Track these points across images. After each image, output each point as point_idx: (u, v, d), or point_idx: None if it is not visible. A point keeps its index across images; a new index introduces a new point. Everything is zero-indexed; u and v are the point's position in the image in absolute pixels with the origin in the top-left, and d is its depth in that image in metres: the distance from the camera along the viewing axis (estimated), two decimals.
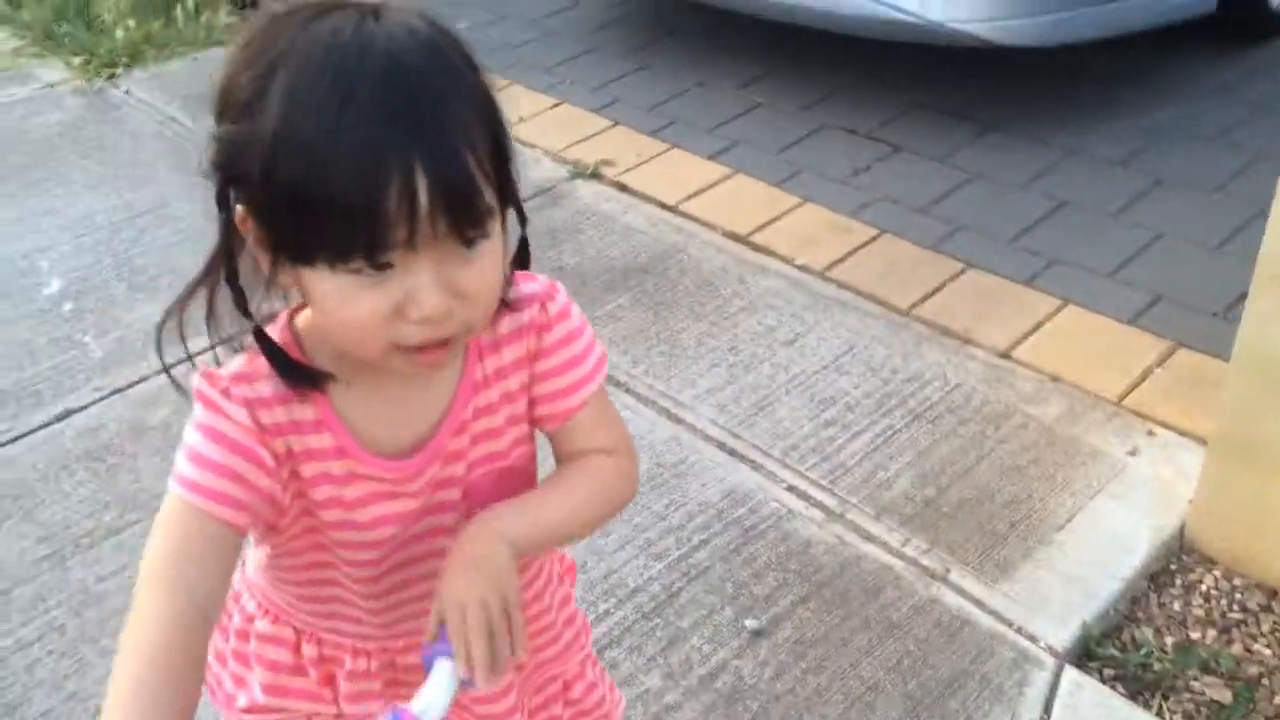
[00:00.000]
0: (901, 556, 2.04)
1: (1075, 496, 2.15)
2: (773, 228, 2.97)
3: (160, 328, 0.88)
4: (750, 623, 1.93)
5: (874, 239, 2.91)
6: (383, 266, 0.77)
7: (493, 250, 0.82)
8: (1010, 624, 1.92)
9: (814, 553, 2.07)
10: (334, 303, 0.80)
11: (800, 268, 2.82)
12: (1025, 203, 3.02)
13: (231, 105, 0.78)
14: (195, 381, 0.89)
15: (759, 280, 2.78)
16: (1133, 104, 3.41)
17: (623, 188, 3.22)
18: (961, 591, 1.98)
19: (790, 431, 2.33)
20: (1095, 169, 3.14)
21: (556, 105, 3.75)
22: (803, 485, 2.20)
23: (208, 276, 0.86)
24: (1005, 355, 2.49)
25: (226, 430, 0.86)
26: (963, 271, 2.76)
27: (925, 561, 2.03)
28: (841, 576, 2.02)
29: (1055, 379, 2.41)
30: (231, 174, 0.79)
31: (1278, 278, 1.75)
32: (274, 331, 0.90)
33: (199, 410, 0.87)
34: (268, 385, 0.88)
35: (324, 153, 0.73)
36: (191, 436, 0.87)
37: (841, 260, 2.83)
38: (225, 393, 0.87)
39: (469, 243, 0.79)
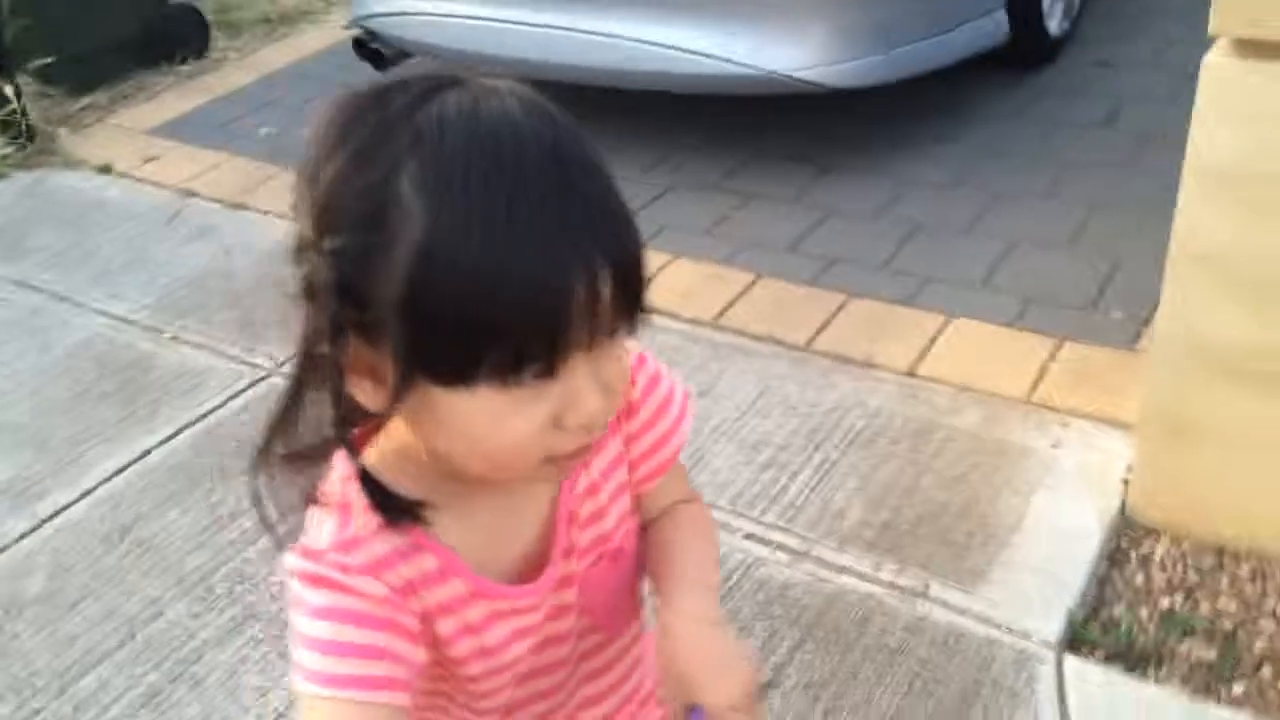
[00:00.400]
0: (878, 582, 2.04)
1: (1018, 495, 2.22)
2: (651, 287, 2.96)
3: (258, 495, 0.76)
4: None
5: (753, 283, 2.95)
6: (555, 375, 0.68)
7: (622, 338, 0.74)
8: (1001, 626, 1.94)
9: (793, 595, 2.03)
10: (485, 424, 0.69)
11: (690, 321, 2.82)
12: (881, 231, 3.15)
13: (343, 215, 0.66)
14: (295, 562, 0.76)
15: (654, 339, 2.71)
16: (949, 131, 3.63)
17: None
18: (946, 605, 1.99)
19: (731, 481, 2.30)
20: (934, 192, 3.31)
21: None
22: (760, 531, 2.17)
23: (321, 423, 0.73)
24: (911, 373, 2.56)
25: (360, 607, 0.74)
26: (846, 301, 2.83)
27: (903, 582, 2.03)
28: (828, 613, 1.99)
29: (964, 388, 2.50)
30: (353, 297, 0.66)
31: (1189, 260, 1.87)
32: (341, 480, 0.77)
33: (312, 595, 0.75)
34: (380, 544, 0.77)
35: (497, 259, 0.63)
36: (313, 627, 0.74)
37: (728, 307, 2.85)
38: (344, 568, 0.75)
39: (621, 334, 0.72)
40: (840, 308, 2.81)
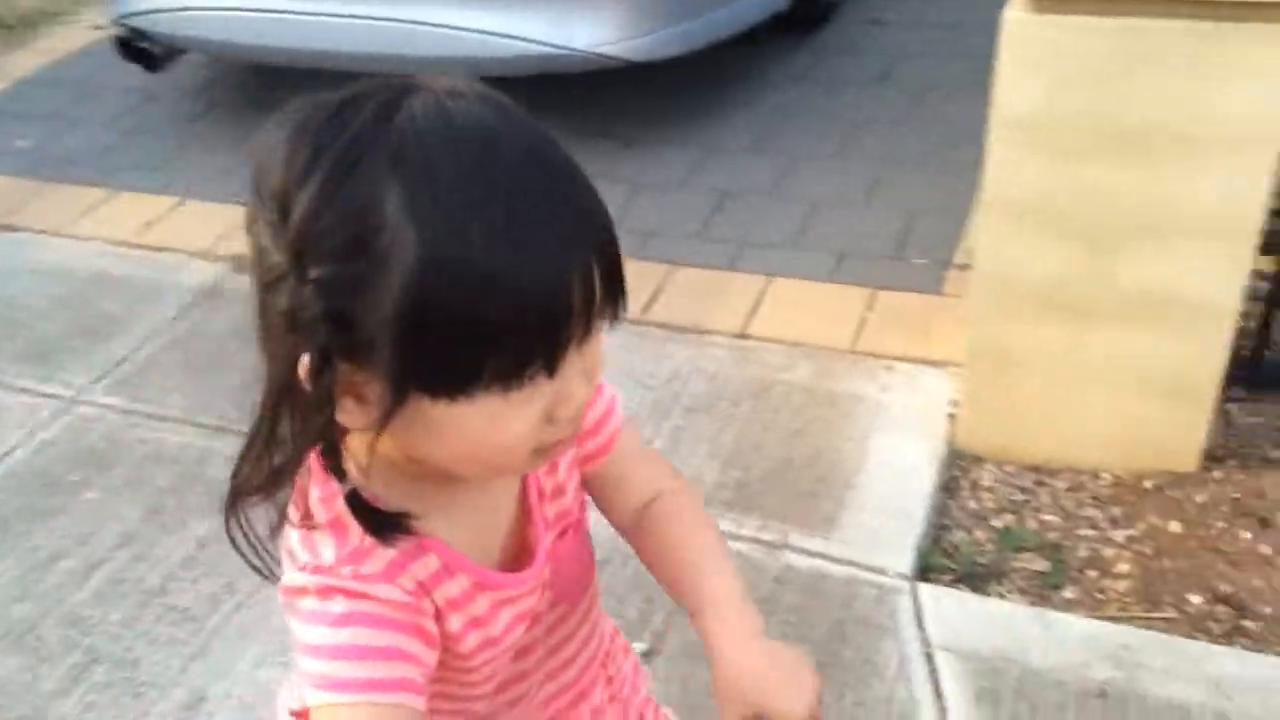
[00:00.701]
0: (742, 539, 2.12)
1: (855, 441, 2.34)
2: None
3: (232, 526, 0.76)
4: (638, 645, 1.91)
5: None
6: (555, 374, 0.69)
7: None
8: (858, 565, 2.06)
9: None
10: (482, 429, 0.69)
11: None
12: (691, 200, 3.23)
13: (327, 243, 0.64)
14: (302, 580, 0.75)
15: None
16: (743, 97, 3.75)
17: None
18: (806, 552, 2.09)
19: None
20: (735, 158, 3.42)
21: (181, 203, 3.45)
22: None
23: (299, 450, 0.72)
24: (741, 335, 2.66)
25: (381, 612, 0.74)
26: (671, 272, 2.90)
27: (765, 536, 2.12)
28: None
29: (793, 344, 2.61)
30: (342, 323, 0.65)
31: (999, 204, 2.02)
32: (321, 501, 0.77)
33: (330, 605, 0.73)
34: (385, 553, 0.76)
35: (497, 270, 0.63)
36: (334, 635, 0.73)
37: None
38: (361, 577, 0.74)
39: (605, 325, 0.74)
40: (666, 278, 2.87)
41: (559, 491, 0.91)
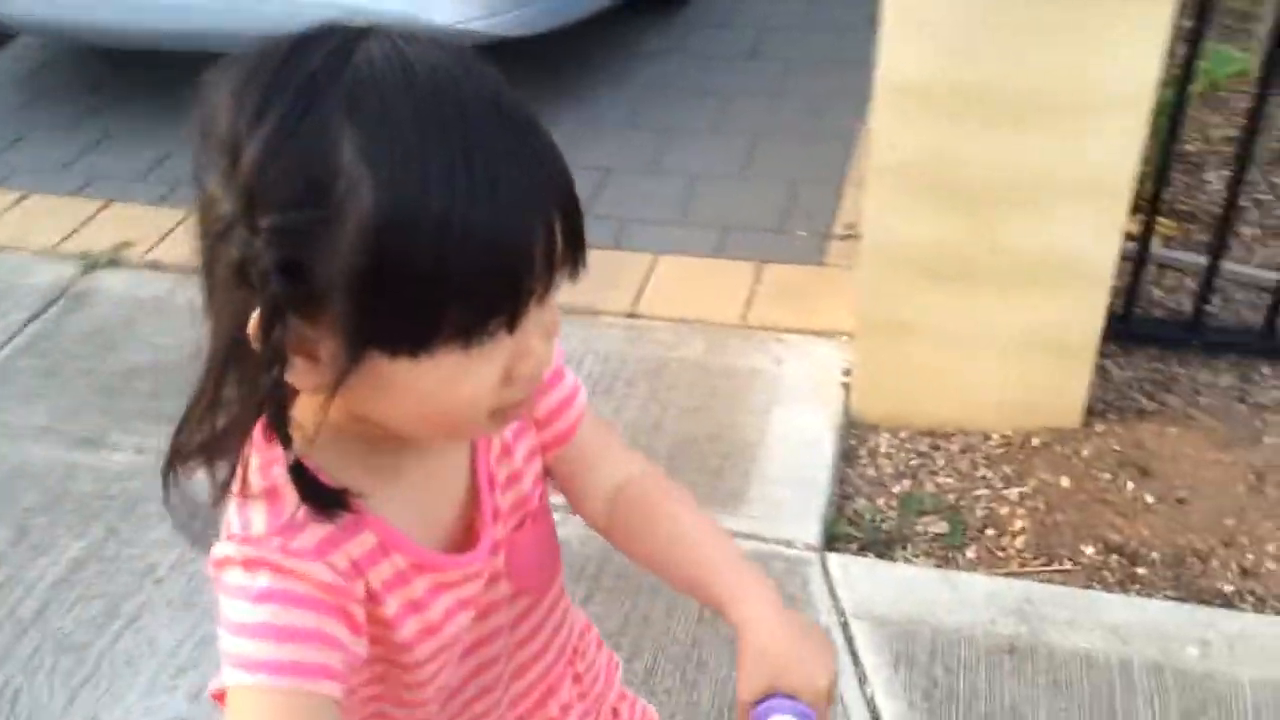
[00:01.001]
0: None
1: (754, 414, 2.35)
2: None
3: (171, 493, 0.69)
4: None
5: None
6: (517, 327, 0.66)
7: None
8: (768, 539, 2.07)
9: (573, 550, 2.01)
10: (441, 387, 0.66)
11: None
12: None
13: (280, 190, 0.60)
14: (230, 550, 0.70)
15: None
16: (616, 72, 3.72)
17: (158, 266, 2.87)
18: None
19: None
20: (613, 135, 3.38)
21: (22, 198, 3.22)
22: None
23: (246, 413, 0.67)
24: (632, 315, 2.63)
25: (306, 590, 0.69)
26: None
27: None
28: (609, 562, 2.02)
29: (684, 321, 2.60)
30: (296, 275, 0.61)
31: (885, 171, 2.04)
32: (259, 469, 0.72)
33: (253, 579, 0.69)
34: (319, 528, 0.72)
35: (460, 218, 0.60)
36: (254, 612, 0.68)
37: None
38: (289, 551, 0.69)
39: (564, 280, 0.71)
40: None
41: (515, 479, 0.87)
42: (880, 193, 2.07)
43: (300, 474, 0.70)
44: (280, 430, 0.67)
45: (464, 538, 0.84)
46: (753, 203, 3.01)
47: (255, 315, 0.62)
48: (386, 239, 0.60)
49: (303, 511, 0.71)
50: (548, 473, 0.92)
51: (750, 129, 3.37)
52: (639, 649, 1.87)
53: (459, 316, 0.63)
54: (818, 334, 2.52)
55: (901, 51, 1.91)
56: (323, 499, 0.71)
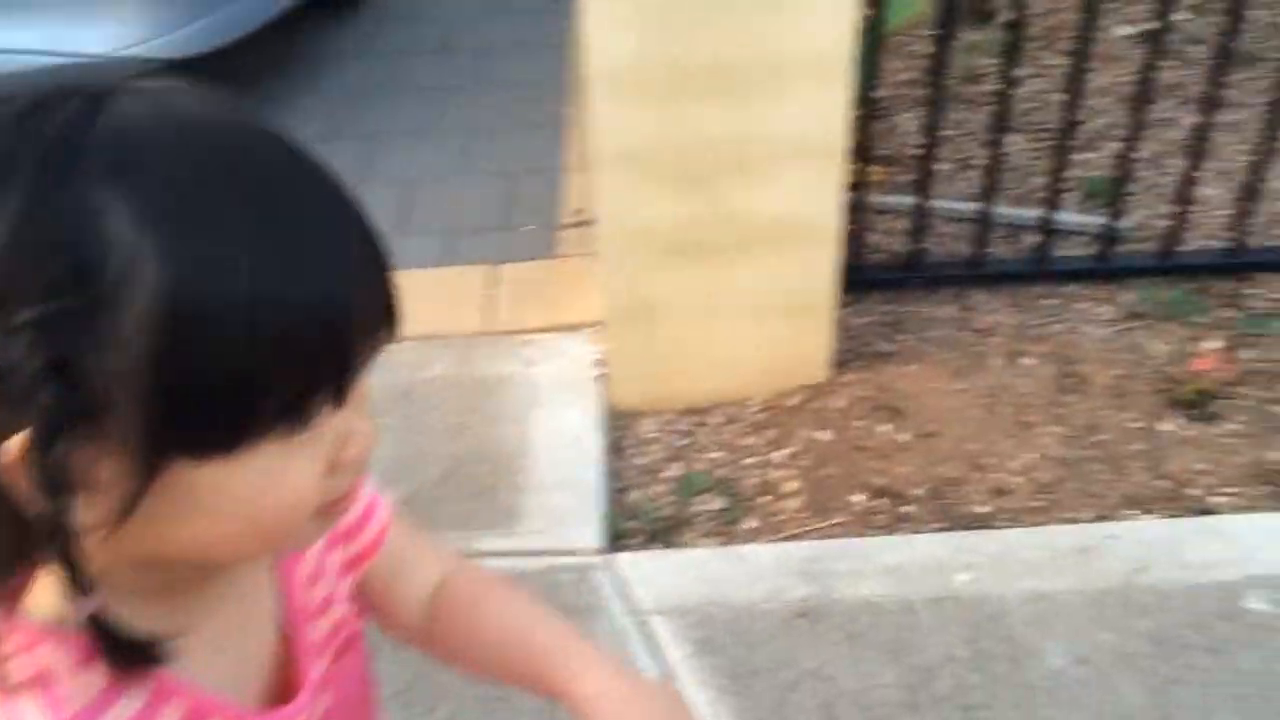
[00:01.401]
0: None
1: (517, 423, 2.27)
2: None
3: None
4: None
5: None
6: (343, 404, 0.56)
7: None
8: (549, 553, 2.00)
9: None
10: (261, 489, 0.55)
11: None
12: None
13: (36, 277, 0.48)
14: None
15: None
16: (306, 81, 3.50)
17: None
18: (496, 553, 2.00)
19: None
20: (316, 146, 3.18)
21: None
22: None
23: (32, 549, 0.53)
24: None
25: None
26: None
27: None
28: None
29: (426, 339, 2.48)
30: (69, 380, 0.49)
31: (611, 157, 2.00)
32: (17, 652, 0.57)
33: None
34: (116, 713, 0.58)
35: (271, 288, 0.50)
36: None
37: None
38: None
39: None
40: None
41: (328, 603, 0.76)
42: (610, 179, 2.03)
43: (101, 627, 0.56)
44: (77, 578, 0.53)
45: (284, 683, 0.72)
46: (474, 202, 2.91)
47: (17, 440, 0.49)
48: (181, 321, 0.48)
49: (88, 698, 0.57)
50: (359, 590, 0.81)
51: (459, 125, 3.26)
52: (436, 705, 1.76)
53: (280, 400, 0.53)
54: (566, 328, 2.47)
55: (608, 36, 1.87)
56: (125, 654, 0.57)
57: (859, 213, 2.42)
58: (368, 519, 0.80)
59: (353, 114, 3.33)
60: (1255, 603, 1.87)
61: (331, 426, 0.57)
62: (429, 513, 2.07)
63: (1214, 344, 2.37)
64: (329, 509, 0.61)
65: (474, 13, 3.84)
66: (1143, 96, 2.35)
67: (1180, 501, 2.05)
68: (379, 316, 0.57)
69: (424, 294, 2.61)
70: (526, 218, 2.84)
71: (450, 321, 2.52)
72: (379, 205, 3.01)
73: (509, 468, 2.17)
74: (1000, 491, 2.11)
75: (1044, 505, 2.06)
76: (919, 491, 2.11)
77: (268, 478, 0.55)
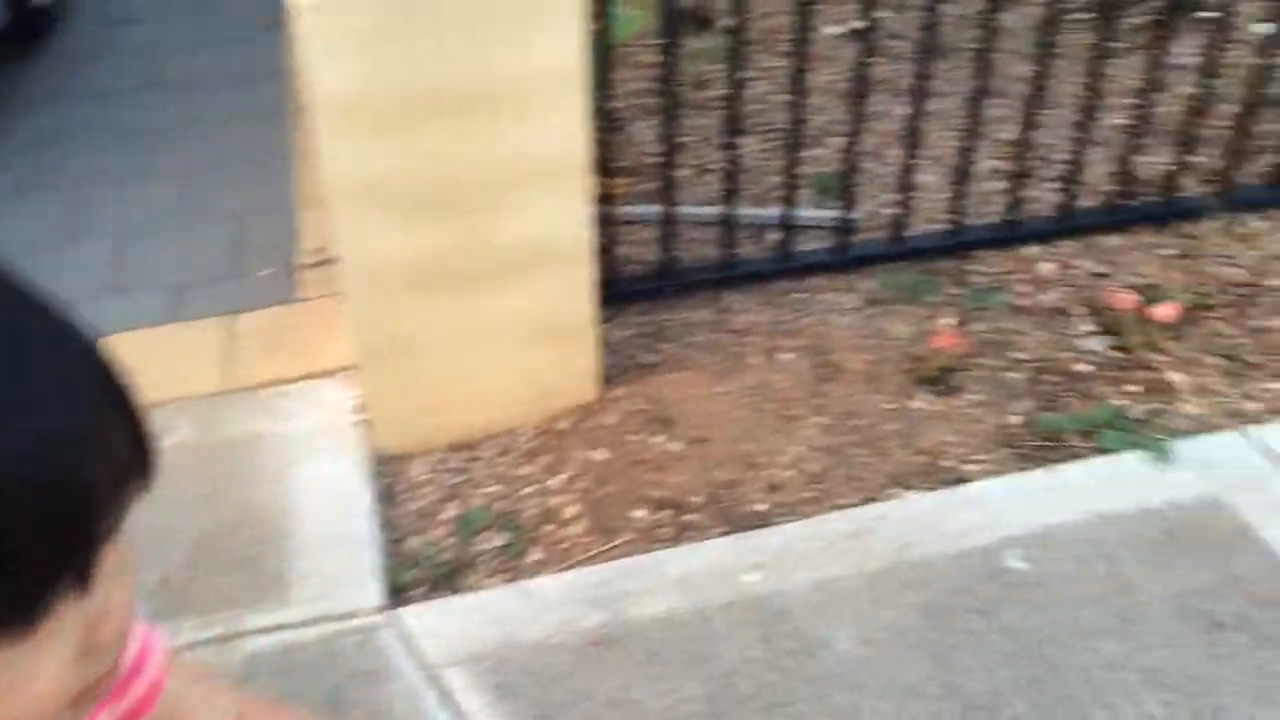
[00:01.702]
0: (193, 645, 1.81)
1: (275, 483, 2.12)
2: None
3: None
4: None
5: None
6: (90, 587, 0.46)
7: None
8: (327, 619, 1.88)
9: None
10: (8, 690, 0.45)
11: None
12: None
13: None
14: None
15: None
16: None
17: None
18: (266, 629, 1.85)
19: None
20: (13, 205, 2.87)
21: None
22: None
23: None
24: None
25: None
26: None
27: (212, 632, 1.84)
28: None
29: (161, 404, 2.27)
30: None
31: (345, 194, 1.89)
32: None
33: None
34: None
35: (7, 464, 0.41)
36: None
37: None
38: None
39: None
40: None
41: None
42: (346, 214, 1.92)
43: None
44: None
45: None
46: (200, 250, 2.71)
47: None
48: None
49: None
50: None
51: (174, 167, 3.03)
52: None
53: (11, 597, 0.43)
54: (318, 375, 2.33)
55: (328, 64, 1.76)
56: None
57: (607, 226, 2.41)
58: (138, 671, 0.69)
59: (53, 162, 3.03)
60: (1013, 561, 1.99)
61: (78, 610, 0.47)
62: (184, 596, 1.89)
63: (948, 321, 2.51)
64: (90, 693, 0.52)
65: (176, 45, 3.58)
66: (857, 92, 2.46)
67: (936, 474, 2.15)
68: (126, 470, 0.48)
69: (152, 356, 2.40)
70: (261, 262, 2.67)
71: (186, 383, 2.32)
72: (91, 262, 2.75)
73: (271, 532, 2.02)
74: (775, 487, 2.15)
75: (816, 495, 2.12)
76: (698, 499, 2.12)
77: (7, 682, 0.45)
